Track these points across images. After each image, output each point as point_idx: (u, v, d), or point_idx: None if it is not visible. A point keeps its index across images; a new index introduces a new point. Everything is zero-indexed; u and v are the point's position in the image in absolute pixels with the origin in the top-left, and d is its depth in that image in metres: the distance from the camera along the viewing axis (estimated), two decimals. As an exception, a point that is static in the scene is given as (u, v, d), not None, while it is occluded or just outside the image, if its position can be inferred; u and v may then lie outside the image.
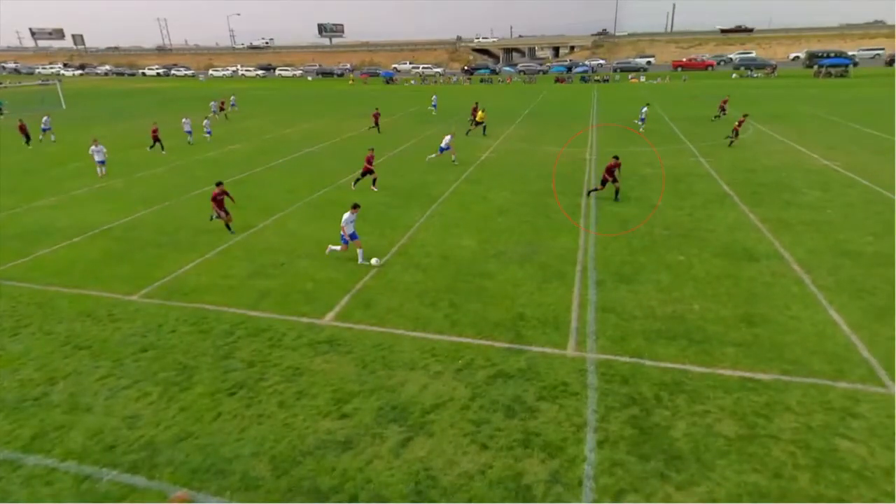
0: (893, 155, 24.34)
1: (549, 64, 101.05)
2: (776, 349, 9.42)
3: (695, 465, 6.95)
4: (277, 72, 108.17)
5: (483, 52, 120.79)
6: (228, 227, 15.87)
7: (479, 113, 33.00)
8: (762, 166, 22.74)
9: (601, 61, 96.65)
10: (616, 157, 18.23)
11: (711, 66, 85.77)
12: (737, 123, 27.42)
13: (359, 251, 13.30)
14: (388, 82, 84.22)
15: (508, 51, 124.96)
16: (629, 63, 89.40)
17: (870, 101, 43.46)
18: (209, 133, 33.57)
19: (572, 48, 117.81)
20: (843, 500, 6.38)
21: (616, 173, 18.09)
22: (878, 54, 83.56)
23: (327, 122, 40.64)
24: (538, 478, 6.79)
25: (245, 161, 26.60)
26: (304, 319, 10.75)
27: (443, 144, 24.59)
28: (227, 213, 15.70)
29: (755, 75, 72.99)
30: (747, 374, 8.75)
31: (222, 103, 45.77)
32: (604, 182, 18.23)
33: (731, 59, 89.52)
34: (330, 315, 10.92)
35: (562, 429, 7.61)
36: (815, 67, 71.08)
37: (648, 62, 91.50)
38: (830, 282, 11.90)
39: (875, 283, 11.80)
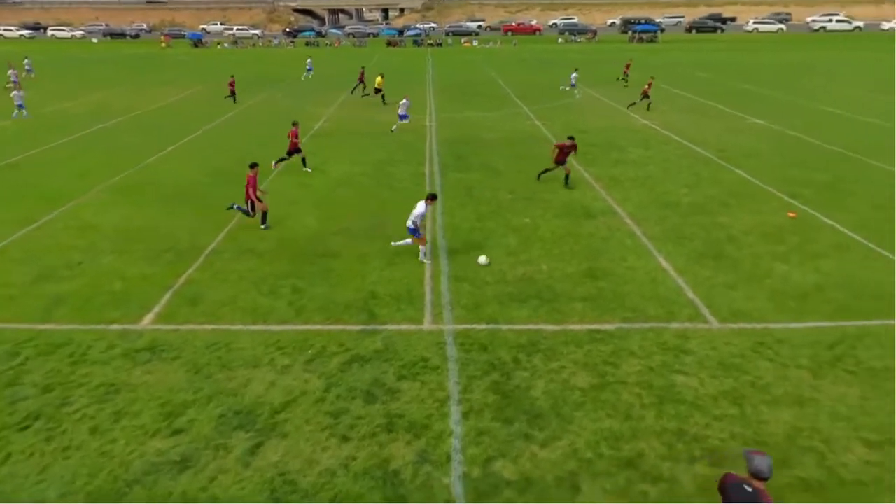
0: (699, 114, 27.98)
1: (379, 26, 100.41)
2: (617, 299, 10.40)
3: (555, 420, 7.45)
4: (50, 32, 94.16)
5: (306, 12, 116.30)
6: None
7: (378, 79, 32.14)
8: (593, 127, 24.83)
9: (433, 24, 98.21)
10: (571, 138, 16.74)
11: (539, 30, 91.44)
12: (646, 86, 29.02)
13: (421, 248, 12.02)
14: (195, 45, 77.69)
15: (334, 12, 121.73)
16: (461, 27, 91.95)
17: (676, 64, 49.44)
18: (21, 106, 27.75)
19: (402, 10, 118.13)
20: (682, 429, 7.26)
21: (571, 155, 16.73)
22: (679, 21, 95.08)
23: (122, 92, 36.46)
24: (406, 460, 6.82)
25: (16, 140, 22.93)
26: (115, 327, 9.61)
27: (401, 111, 23.98)
28: None
29: (578, 40, 79.23)
30: (594, 326, 9.55)
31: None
32: (558, 162, 16.60)
33: (556, 24, 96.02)
34: (148, 318, 9.89)
35: (425, 406, 7.70)
36: (630, 33, 78.99)
37: (480, 26, 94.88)
38: (657, 232, 13.39)
39: (693, 230, 13.52)
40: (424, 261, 11.95)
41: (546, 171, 17.11)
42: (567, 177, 16.80)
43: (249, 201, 13.44)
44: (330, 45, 78.72)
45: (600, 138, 22.83)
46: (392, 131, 24.08)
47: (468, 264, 11.82)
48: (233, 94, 32.19)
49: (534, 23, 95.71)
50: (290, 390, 8.01)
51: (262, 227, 13.66)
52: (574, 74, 34.17)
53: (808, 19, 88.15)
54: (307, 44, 79.65)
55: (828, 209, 14.60)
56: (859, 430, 7.18)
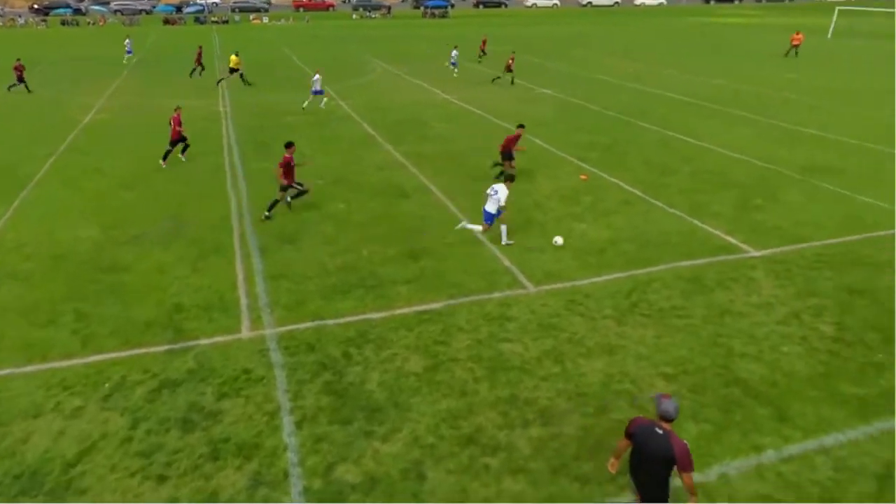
0: (494, 86, 29.50)
1: (153, 2, 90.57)
2: (440, 277, 10.55)
3: (394, 411, 7.34)
4: None
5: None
6: None
7: (233, 58, 29.30)
8: (395, 104, 24.93)
9: (216, 0, 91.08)
10: (521, 126, 15.12)
11: (332, 6, 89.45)
12: (509, 60, 29.47)
13: (477, 227, 11.72)
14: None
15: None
16: (248, 2, 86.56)
17: (468, 38, 51.61)
18: None
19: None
20: (514, 395, 7.59)
21: (516, 146, 15.03)
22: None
23: None
24: (237, 488, 6.23)
25: None
26: None
27: (315, 87, 23.81)
28: None
29: (373, 16, 79.07)
30: (422, 308, 9.59)
31: None
32: (505, 157, 14.96)
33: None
34: None
35: (254, 423, 7.11)
36: (422, 8, 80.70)
37: (269, 1, 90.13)
38: (470, 205, 13.83)
39: (502, 199, 14.21)
40: (475, 231, 11.83)
41: (498, 165, 15.51)
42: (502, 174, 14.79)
43: (288, 184, 12.95)
44: (93, 23, 69.20)
45: (404, 115, 23.01)
46: (303, 109, 23.75)
47: (284, 260, 11.17)
48: (22, 80, 27.66)
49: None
50: (85, 436, 6.88)
51: (266, 215, 13.00)
52: (454, 52, 33.95)
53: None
54: (63, 23, 69.12)
55: (611, 169, 16.27)
56: (658, 367, 8.10)
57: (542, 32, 56.47)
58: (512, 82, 29.65)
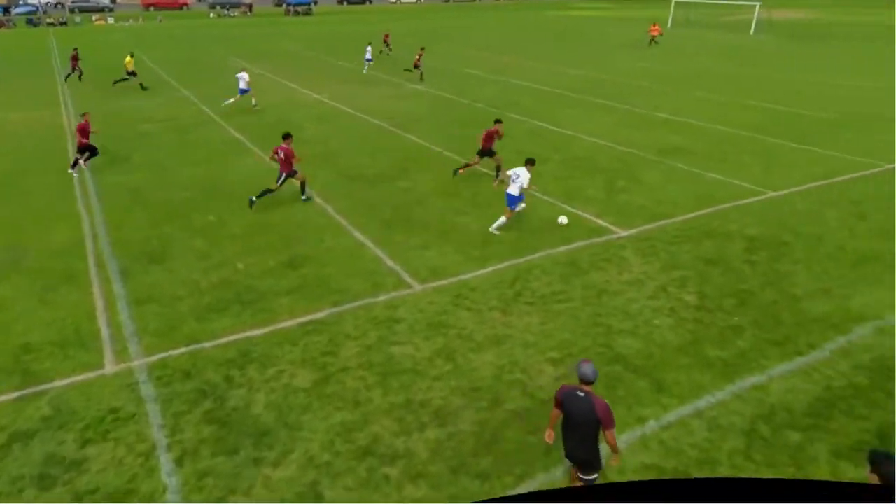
0: (364, 84, 29.08)
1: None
2: (323, 284, 10.15)
3: (284, 432, 6.92)
4: None
5: None
6: None
7: (128, 59, 27.01)
8: (266, 105, 23.78)
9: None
10: (498, 121, 14.50)
11: (187, 4, 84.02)
12: (416, 57, 29.18)
13: (505, 220, 11.94)
14: None
15: None
16: (90, 2, 78.99)
17: (334, 35, 50.66)
18: None
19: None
20: (409, 399, 7.43)
21: (495, 141, 14.50)
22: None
23: None
24: (111, 544, 5.56)
25: None
26: None
27: (242, 85, 22.90)
28: None
29: (233, 14, 75.21)
30: (306, 318, 9.16)
31: None
32: (483, 153, 14.56)
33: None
34: None
35: (125, 467, 6.39)
36: (285, 6, 77.95)
37: (113, 1, 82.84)
38: (348, 206, 13.48)
39: (381, 199, 13.97)
40: (496, 231, 11.94)
41: (467, 165, 15.10)
42: (498, 169, 14.62)
43: (284, 174, 13.23)
44: None
45: (274, 117, 22.03)
46: (225, 104, 23.12)
47: (151, 282, 10.23)
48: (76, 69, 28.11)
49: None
50: (-85, 514, 5.85)
51: (303, 198, 13.74)
52: (368, 48, 32.64)
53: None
54: None
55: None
56: (545, 353, 8.30)
57: (407, 28, 56.60)
58: (421, 78, 29.16)
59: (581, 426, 5.22)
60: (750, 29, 50.36)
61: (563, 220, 12.00)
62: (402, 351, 8.39)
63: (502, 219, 12.02)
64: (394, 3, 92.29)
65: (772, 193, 13.92)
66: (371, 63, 32.66)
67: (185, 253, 11.33)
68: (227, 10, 76.88)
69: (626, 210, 13.07)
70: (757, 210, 13.03)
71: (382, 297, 9.73)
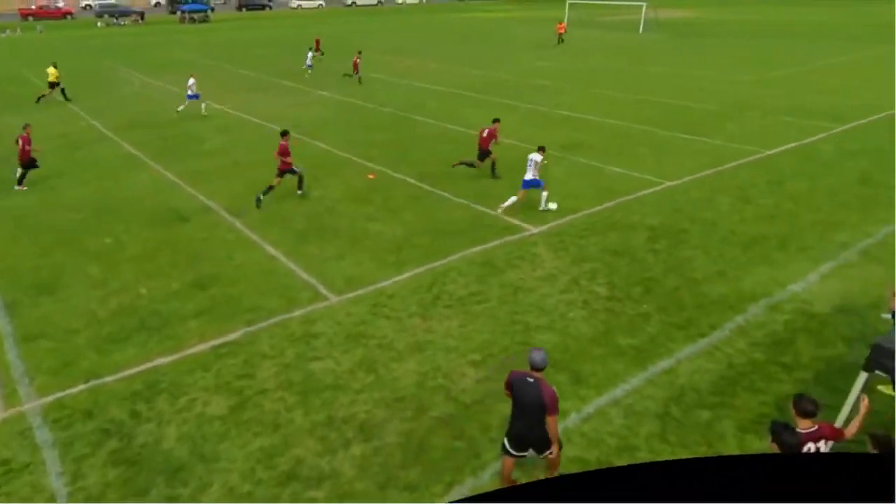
0: (267, 92, 28.17)
1: None
2: (234, 303, 9.67)
3: (200, 465, 6.49)
4: None
5: None
6: None
7: (51, 70, 25.43)
8: (161, 119, 22.46)
9: None
10: (497, 120, 15.16)
11: (70, 14, 78.26)
12: (355, 59, 28.95)
13: (512, 200, 12.71)
14: None
15: None
16: (-47, 11, 71.87)
17: (234, 43, 48.82)
18: None
19: None
20: (331, 416, 7.18)
21: (493, 142, 14.93)
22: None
23: None
24: None
25: None
26: None
27: (190, 92, 22.50)
28: None
29: (122, 23, 70.79)
30: (218, 341, 8.68)
31: None
32: (482, 155, 15.01)
33: (90, 6, 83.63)
34: None
35: (19, 525, 5.78)
36: (179, 13, 74.22)
37: (-18, 10, 75.81)
38: (257, 220, 12.95)
39: (291, 209, 13.52)
40: (502, 209, 12.73)
41: (465, 164, 15.33)
42: (493, 166, 15.19)
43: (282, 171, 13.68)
44: None
45: (174, 130, 20.87)
46: (178, 111, 22.66)
47: (41, 315, 9.36)
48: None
49: (61, 5, 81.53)
50: None
51: (299, 192, 14.20)
52: (310, 54, 32.09)
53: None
54: None
55: (396, 165, 16.42)
56: (466, 356, 8.28)
57: (309, 33, 55.41)
58: (360, 82, 28.86)
59: (531, 411, 5.45)
60: (639, 28, 53.09)
61: (553, 206, 12.93)
62: (322, 366, 8.11)
63: (513, 198, 12.78)
64: (295, 8, 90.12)
65: (668, 183, 14.66)
66: (311, 69, 31.98)
67: (78, 280, 10.47)
68: (117, 18, 72.20)
69: (536, 207, 13.33)
70: (655, 200, 13.68)
71: (298, 312, 9.39)
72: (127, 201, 14.14)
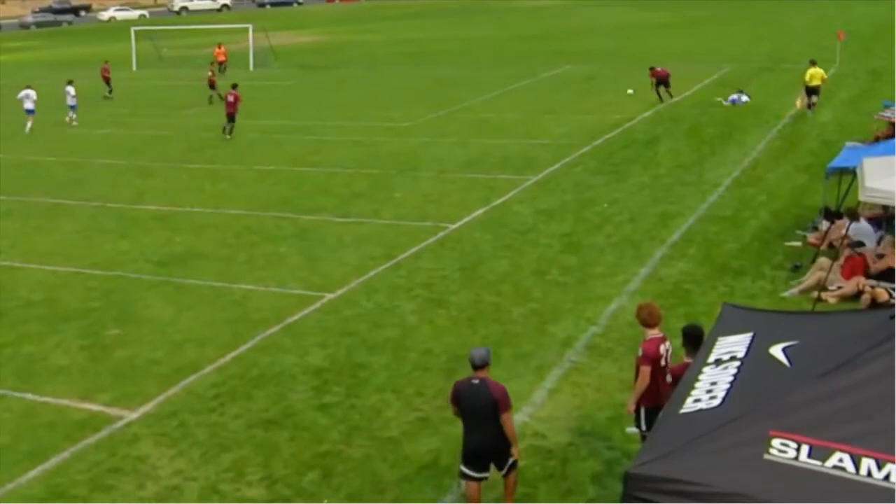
0: None
1: None
2: None
3: None
4: None
5: None
6: None
7: None
8: None
9: None
10: (234, 86, 31.42)
11: None
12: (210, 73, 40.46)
13: None
14: None
15: None
16: None
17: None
18: None
19: None
20: None
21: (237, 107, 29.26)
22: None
23: None
24: None
25: None
26: None
27: (28, 105, 31.06)
28: None
29: None
30: None
31: None
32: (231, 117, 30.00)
33: None
34: None
35: None
36: None
37: None
38: None
39: None
40: None
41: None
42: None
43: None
44: None
45: None
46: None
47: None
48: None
49: None
50: None
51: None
52: (70, 88, 34.74)
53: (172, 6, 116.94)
54: None
55: None
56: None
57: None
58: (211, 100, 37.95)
59: (483, 414, 7.35)
60: (248, 64, 55.74)
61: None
62: None
63: None
64: (107, 21, 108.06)
65: (329, 296, 15.19)
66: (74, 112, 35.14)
67: None
68: None
69: (127, 374, 12.46)
70: (315, 325, 14.02)
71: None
72: None
